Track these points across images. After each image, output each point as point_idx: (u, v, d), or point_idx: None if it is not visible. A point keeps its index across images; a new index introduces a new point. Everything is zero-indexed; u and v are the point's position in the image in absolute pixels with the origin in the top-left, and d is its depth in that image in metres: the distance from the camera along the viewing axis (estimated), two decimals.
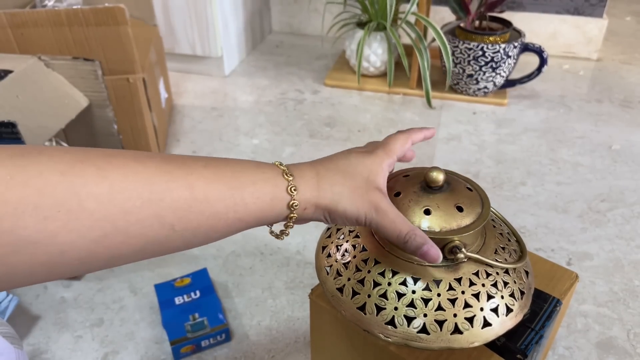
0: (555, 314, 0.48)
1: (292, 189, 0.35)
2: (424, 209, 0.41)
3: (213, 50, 1.39)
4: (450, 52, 1.22)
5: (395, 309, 0.40)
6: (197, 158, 0.33)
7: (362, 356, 0.49)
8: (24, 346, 0.66)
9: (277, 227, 0.39)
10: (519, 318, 0.41)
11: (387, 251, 0.42)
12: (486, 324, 0.39)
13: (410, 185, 0.42)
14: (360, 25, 1.36)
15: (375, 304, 0.40)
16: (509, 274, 0.42)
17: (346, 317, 0.42)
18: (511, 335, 0.45)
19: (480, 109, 1.29)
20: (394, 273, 0.40)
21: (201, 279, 0.79)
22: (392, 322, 0.40)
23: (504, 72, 1.25)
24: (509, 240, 0.45)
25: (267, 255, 0.86)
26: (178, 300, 0.75)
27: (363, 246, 0.43)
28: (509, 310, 0.40)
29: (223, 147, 1.14)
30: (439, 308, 0.39)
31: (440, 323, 0.39)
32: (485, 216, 0.41)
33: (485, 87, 1.28)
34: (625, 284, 0.79)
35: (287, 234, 0.39)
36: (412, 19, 1.28)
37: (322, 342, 0.54)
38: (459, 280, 0.40)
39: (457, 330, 0.39)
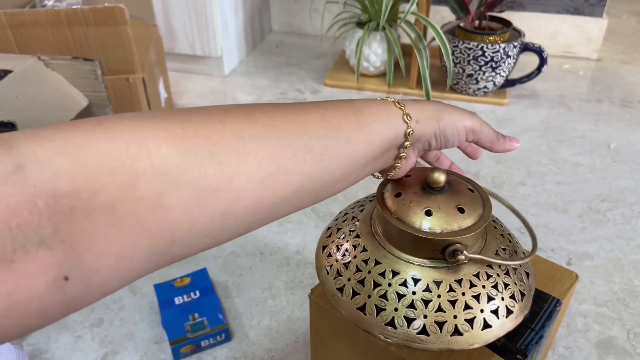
0: (555, 314, 0.48)
1: (400, 104, 0.37)
2: (425, 210, 0.41)
3: (213, 50, 1.39)
4: (450, 52, 1.22)
5: (395, 309, 0.39)
6: (310, 103, 0.36)
7: (362, 356, 0.49)
8: (24, 346, 0.66)
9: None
10: (519, 320, 0.41)
11: (387, 251, 0.42)
12: (486, 325, 0.39)
13: (411, 186, 0.42)
14: (360, 24, 1.36)
15: (376, 305, 0.40)
16: (509, 275, 0.41)
17: (346, 317, 0.42)
18: (511, 335, 0.45)
19: (480, 108, 1.29)
20: (394, 274, 0.40)
21: (201, 279, 0.79)
22: (392, 323, 0.39)
23: (504, 71, 1.25)
24: (510, 242, 0.45)
25: (267, 255, 0.86)
26: (178, 300, 0.75)
27: (364, 246, 0.43)
28: (509, 312, 0.40)
29: None
30: (439, 309, 0.39)
31: (441, 324, 0.39)
32: (487, 218, 0.41)
33: (485, 87, 1.28)
34: (625, 284, 0.79)
35: (399, 167, 0.40)
36: (411, 18, 1.28)
37: (322, 342, 0.54)
38: (459, 281, 0.40)
39: (457, 331, 0.39)
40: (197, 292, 0.77)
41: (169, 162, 0.25)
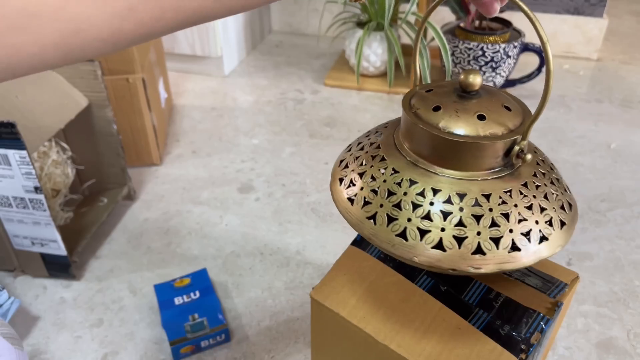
0: (562, 292, 0.48)
1: None
2: (476, 114, 0.38)
3: (213, 50, 1.39)
4: (449, 52, 1.22)
5: (409, 220, 0.37)
6: None
7: (362, 356, 0.49)
8: (24, 347, 0.66)
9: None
10: (556, 250, 0.38)
11: (431, 172, 0.39)
12: (514, 248, 0.36)
13: (446, 95, 0.40)
14: (360, 24, 1.36)
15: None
16: (547, 199, 0.39)
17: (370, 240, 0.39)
18: (515, 324, 0.45)
19: None
20: (436, 192, 0.38)
21: (201, 279, 0.79)
22: (403, 235, 0.37)
23: (504, 72, 1.25)
24: (545, 160, 0.43)
25: (267, 255, 0.86)
26: (178, 300, 0.75)
27: (393, 169, 0.41)
28: (543, 238, 0.37)
29: (223, 147, 1.14)
30: (460, 223, 0.36)
31: (460, 240, 0.36)
32: (537, 116, 0.38)
33: None
34: (625, 284, 0.79)
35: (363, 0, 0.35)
36: (411, 18, 1.28)
37: (322, 342, 0.54)
38: (487, 196, 0.37)
39: (479, 250, 0.36)
40: (197, 293, 0.76)
41: None
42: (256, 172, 1.06)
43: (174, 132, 1.20)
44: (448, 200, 0.37)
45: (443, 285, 0.49)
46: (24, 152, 0.68)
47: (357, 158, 0.43)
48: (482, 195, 0.37)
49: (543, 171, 0.40)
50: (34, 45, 0.23)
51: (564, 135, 1.18)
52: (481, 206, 0.37)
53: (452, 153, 0.38)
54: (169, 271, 0.83)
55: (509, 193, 0.37)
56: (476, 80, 0.38)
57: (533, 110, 0.39)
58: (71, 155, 0.91)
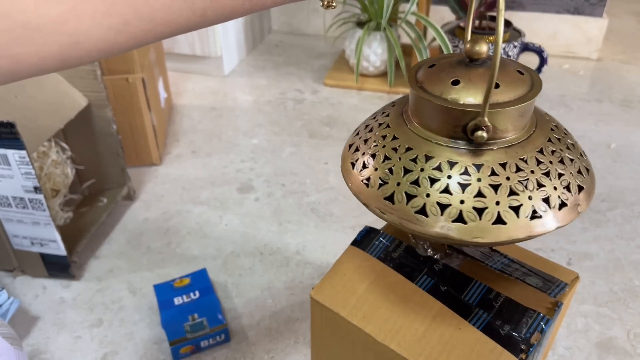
0: (562, 292, 0.48)
1: None
2: (452, 79, 0.37)
3: (212, 50, 1.39)
4: (451, 52, 1.21)
5: (398, 184, 0.37)
6: None
7: (362, 356, 0.49)
8: (23, 347, 0.65)
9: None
10: (573, 216, 0.37)
11: (410, 129, 0.39)
12: (534, 216, 0.35)
13: (451, 61, 0.39)
14: (360, 24, 1.36)
15: (380, 178, 0.38)
16: (564, 163, 0.38)
17: (372, 210, 0.39)
18: (515, 324, 0.45)
19: None
20: (408, 149, 0.38)
21: (200, 279, 0.79)
22: (391, 198, 0.37)
23: None
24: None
25: (267, 255, 0.86)
26: (177, 300, 0.75)
27: (388, 124, 0.40)
28: (562, 204, 0.36)
29: (222, 147, 1.14)
30: (446, 191, 0.36)
31: (443, 207, 0.36)
32: (529, 98, 0.36)
33: None
34: (625, 284, 0.79)
35: (334, 6, 0.35)
36: (412, 18, 1.28)
37: (322, 342, 0.54)
38: (478, 166, 0.36)
39: (499, 219, 0.35)
40: (197, 293, 0.76)
41: None
42: (256, 172, 1.06)
43: (173, 132, 1.20)
44: (465, 172, 0.36)
45: (443, 285, 0.49)
46: (23, 152, 0.68)
47: (367, 140, 0.42)
48: (499, 164, 0.36)
49: (558, 136, 0.39)
50: (34, 56, 0.24)
51: None
52: (498, 175, 0.36)
53: (426, 114, 0.38)
54: (169, 271, 0.82)
55: (524, 160, 0.36)
56: (482, 48, 0.37)
57: (541, 106, 0.39)
58: (71, 155, 0.91)
